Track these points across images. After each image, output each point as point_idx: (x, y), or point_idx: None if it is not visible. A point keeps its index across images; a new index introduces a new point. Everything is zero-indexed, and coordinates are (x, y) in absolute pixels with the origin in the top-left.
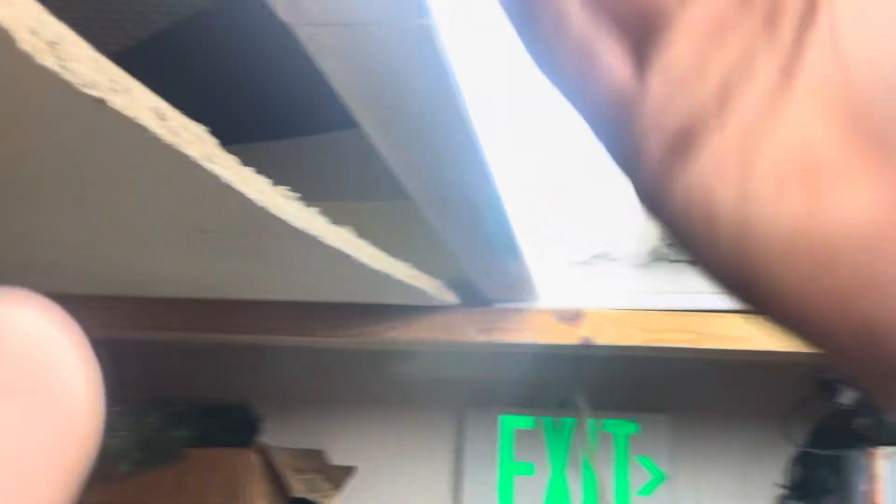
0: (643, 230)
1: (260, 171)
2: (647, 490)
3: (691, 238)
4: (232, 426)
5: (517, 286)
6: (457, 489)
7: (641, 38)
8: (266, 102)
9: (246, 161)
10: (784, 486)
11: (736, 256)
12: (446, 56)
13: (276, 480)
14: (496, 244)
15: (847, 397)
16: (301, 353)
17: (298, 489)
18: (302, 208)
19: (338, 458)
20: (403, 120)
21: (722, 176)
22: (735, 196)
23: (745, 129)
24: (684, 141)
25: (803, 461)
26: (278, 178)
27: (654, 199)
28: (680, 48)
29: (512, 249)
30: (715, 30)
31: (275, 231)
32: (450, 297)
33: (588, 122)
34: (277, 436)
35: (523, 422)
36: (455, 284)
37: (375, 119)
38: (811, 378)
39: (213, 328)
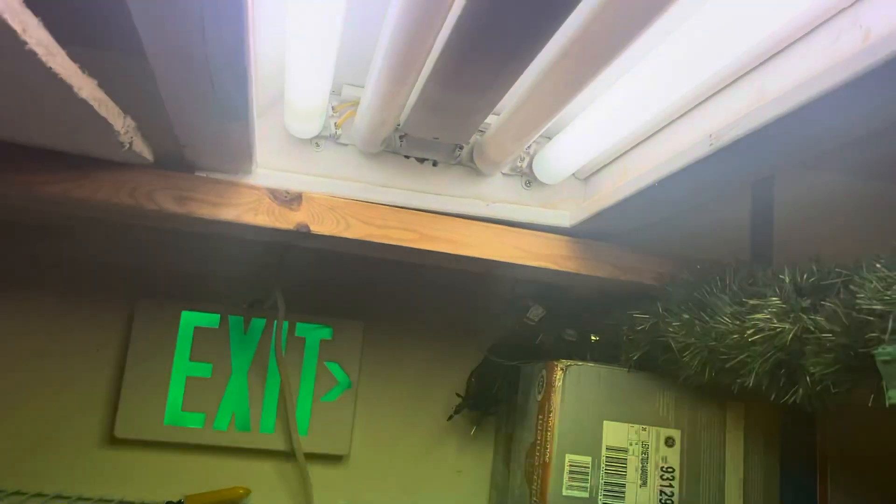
0: (378, 116)
1: None
2: (332, 396)
3: None
4: None
5: (232, 154)
6: (119, 389)
7: None
8: None
9: None
10: (459, 395)
11: None
12: None
13: None
14: (222, 95)
15: (534, 314)
16: None
17: None
18: None
19: None
20: None
21: None
22: None
23: None
24: None
25: (482, 371)
26: None
27: None
28: None
29: (241, 106)
30: None
31: None
32: (142, 149)
33: None
34: None
35: (207, 319)
36: (153, 139)
37: None
38: (506, 293)
39: None
